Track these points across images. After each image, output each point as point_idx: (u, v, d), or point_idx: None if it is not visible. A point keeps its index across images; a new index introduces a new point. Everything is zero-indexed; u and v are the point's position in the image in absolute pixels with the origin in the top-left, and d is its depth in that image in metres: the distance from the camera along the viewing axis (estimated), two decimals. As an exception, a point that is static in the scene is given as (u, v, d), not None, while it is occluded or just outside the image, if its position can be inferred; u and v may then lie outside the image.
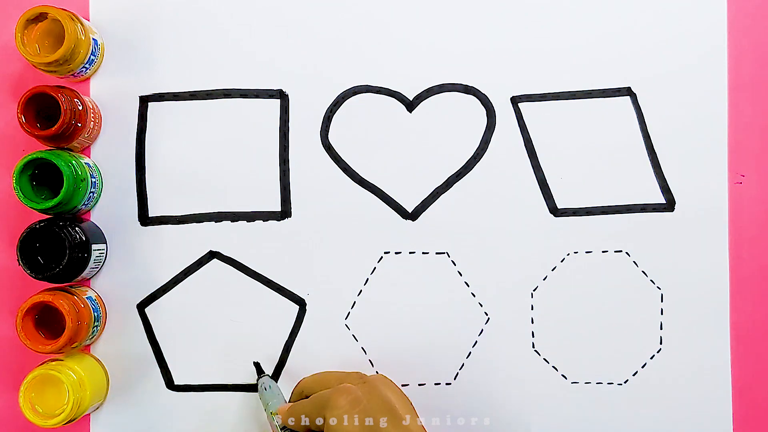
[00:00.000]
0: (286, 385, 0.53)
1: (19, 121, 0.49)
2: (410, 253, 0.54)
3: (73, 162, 0.51)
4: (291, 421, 0.46)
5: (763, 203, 0.54)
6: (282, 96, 0.55)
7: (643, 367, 0.53)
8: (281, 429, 0.47)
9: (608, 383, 0.54)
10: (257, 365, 0.53)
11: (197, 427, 0.54)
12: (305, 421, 0.45)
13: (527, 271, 0.54)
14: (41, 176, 0.51)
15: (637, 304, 0.54)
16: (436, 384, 0.54)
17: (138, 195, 0.54)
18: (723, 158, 0.54)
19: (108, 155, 0.54)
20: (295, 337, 0.54)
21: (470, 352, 0.54)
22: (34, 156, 0.50)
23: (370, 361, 0.54)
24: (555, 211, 0.54)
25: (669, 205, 0.54)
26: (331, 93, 0.54)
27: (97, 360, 0.54)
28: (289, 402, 0.50)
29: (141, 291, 0.54)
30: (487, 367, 0.54)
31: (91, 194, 0.52)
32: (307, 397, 0.48)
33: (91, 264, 0.52)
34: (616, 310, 0.54)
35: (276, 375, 0.54)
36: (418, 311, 0.54)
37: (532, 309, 0.54)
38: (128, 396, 0.54)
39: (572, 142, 0.54)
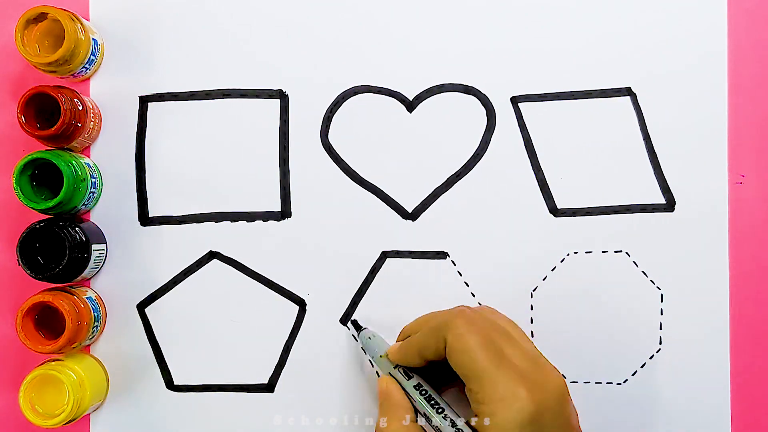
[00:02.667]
0: (285, 391, 0.54)
1: (19, 121, 0.49)
2: (410, 253, 0.54)
3: (73, 162, 0.51)
4: (405, 356, 0.47)
5: (763, 203, 0.54)
6: (282, 96, 0.55)
7: (642, 367, 0.53)
8: (394, 368, 0.48)
9: (608, 383, 0.54)
10: (354, 322, 0.53)
11: (197, 427, 0.54)
12: (421, 351, 0.45)
13: (527, 271, 0.54)
14: (41, 176, 0.51)
15: (637, 304, 0.54)
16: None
17: (138, 195, 0.54)
18: (723, 158, 0.54)
19: (108, 155, 0.54)
20: (295, 337, 0.54)
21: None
22: (34, 156, 0.50)
23: (370, 361, 0.54)
24: (555, 212, 0.54)
25: (669, 205, 0.54)
26: (331, 93, 0.54)
27: (97, 360, 0.54)
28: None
29: (141, 291, 0.54)
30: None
31: (91, 194, 0.52)
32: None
33: (91, 264, 0.52)
34: (616, 310, 0.54)
35: (275, 376, 0.54)
36: (417, 311, 0.54)
37: (532, 309, 0.54)
38: (128, 396, 0.54)
39: (572, 142, 0.54)
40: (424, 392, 0.46)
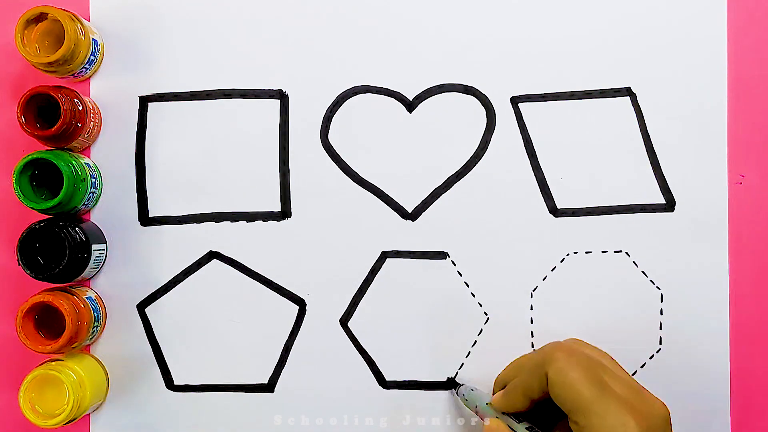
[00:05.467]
0: (285, 391, 0.54)
1: (19, 122, 0.49)
2: (410, 253, 0.54)
3: (73, 162, 0.51)
4: (510, 401, 0.47)
5: (763, 203, 0.54)
6: (282, 96, 0.55)
7: (642, 367, 0.53)
8: (503, 414, 0.47)
9: (608, 383, 0.54)
10: (452, 380, 0.53)
11: (197, 427, 0.54)
12: (526, 392, 0.45)
13: (527, 271, 0.54)
14: (41, 176, 0.51)
15: (636, 304, 0.54)
16: (435, 383, 0.54)
17: (138, 195, 0.54)
18: (723, 158, 0.54)
19: (108, 155, 0.54)
20: (295, 337, 0.54)
21: (469, 352, 0.54)
22: (34, 156, 0.50)
23: (372, 360, 0.54)
24: (555, 212, 0.54)
25: (669, 205, 0.54)
26: (331, 93, 0.54)
27: (97, 360, 0.54)
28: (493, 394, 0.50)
29: (141, 291, 0.54)
30: (487, 367, 0.54)
31: (91, 194, 0.52)
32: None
33: (91, 264, 0.52)
34: (616, 310, 0.54)
35: (275, 376, 0.54)
36: (417, 311, 0.54)
37: (532, 309, 0.54)
38: (128, 396, 0.54)
39: (572, 142, 0.54)
40: None
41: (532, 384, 0.45)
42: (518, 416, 0.47)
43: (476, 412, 0.50)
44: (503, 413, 0.47)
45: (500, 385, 0.50)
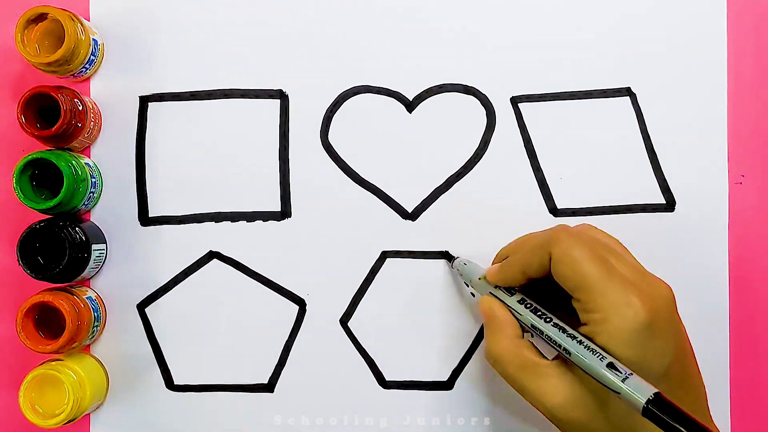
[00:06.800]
0: (285, 391, 0.54)
1: (19, 121, 0.49)
2: (410, 253, 0.54)
3: (73, 162, 0.51)
4: (505, 275, 0.46)
5: (763, 203, 0.54)
6: (282, 96, 0.55)
7: (643, 367, 0.53)
8: (495, 288, 0.47)
9: (608, 383, 0.53)
10: (446, 254, 0.53)
11: (197, 427, 0.54)
12: (524, 268, 0.45)
13: (527, 271, 0.54)
14: (41, 176, 0.51)
15: (637, 304, 0.53)
16: (435, 383, 0.54)
17: (138, 195, 0.54)
18: (723, 158, 0.54)
19: (108, 155, 0.54)
20: (295, 337, 0.54)
21: (469, 352, 0.54)
22: (34, 156, 0.50)
23: (372, 360, 0.54)
24: (555, 211, 0.54)
25: (669, 205, 0.54)
26: (331, 93, 0.54)
27: (97, 360, 0.54)
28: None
29: (141, 291, 0.54)
30: (487, 367, 0.54)
31: (91, 194, 0.52)
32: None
33: (91, 264, 0.52)
34: (616, 310, 0.54)
35: (275, 376, 0.54)
36: (417, 311, 0.54)
37: (532, 309, 0.54)
38: (128, 396, 0.54)
39: (572, 142, 0.54)
40: (528, 305, 0.45)
41: (531, 261, 0.44)
42: (511, 290, 0.47)
43: (469, 286, 0.51)
44: (496, 287, 0.47)
45: (501, 258, 0.49)
